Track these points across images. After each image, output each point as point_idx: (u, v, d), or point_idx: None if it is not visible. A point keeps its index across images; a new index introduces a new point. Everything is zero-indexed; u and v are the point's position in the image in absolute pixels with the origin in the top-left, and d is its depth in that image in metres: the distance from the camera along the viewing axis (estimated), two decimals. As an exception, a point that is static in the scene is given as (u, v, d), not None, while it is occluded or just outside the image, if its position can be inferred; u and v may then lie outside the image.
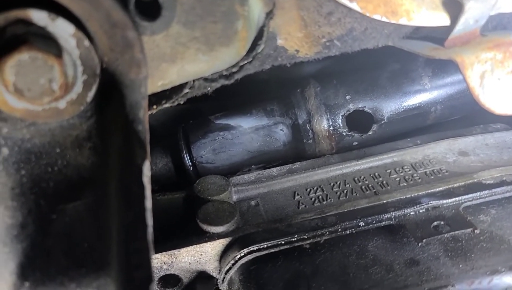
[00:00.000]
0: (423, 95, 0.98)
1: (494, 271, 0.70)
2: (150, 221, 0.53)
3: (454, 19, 0.64)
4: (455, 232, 0.74)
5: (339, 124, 0.98)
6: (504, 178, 0.83)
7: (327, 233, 0.77)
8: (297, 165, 0.98)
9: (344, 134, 0.99)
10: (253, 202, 0.90)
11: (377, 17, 0.62)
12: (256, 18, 0.64)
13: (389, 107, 0.98)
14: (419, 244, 0.73)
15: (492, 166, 0.89)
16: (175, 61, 0.61)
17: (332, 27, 0.65)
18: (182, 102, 0.72)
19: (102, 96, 0.57)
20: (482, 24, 0.67)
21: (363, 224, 0.78)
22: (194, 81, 0.69)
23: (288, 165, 0.99)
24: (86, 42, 0.53)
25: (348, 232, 0.78)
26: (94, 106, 0.59)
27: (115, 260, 0.55)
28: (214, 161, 1.01)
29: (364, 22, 0.65)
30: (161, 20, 0.58)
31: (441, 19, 0.64)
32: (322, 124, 0.98)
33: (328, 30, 0.65)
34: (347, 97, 0.98)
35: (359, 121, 1.01)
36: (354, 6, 0.60)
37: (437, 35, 0.72)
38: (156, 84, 0.62)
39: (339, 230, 0.77)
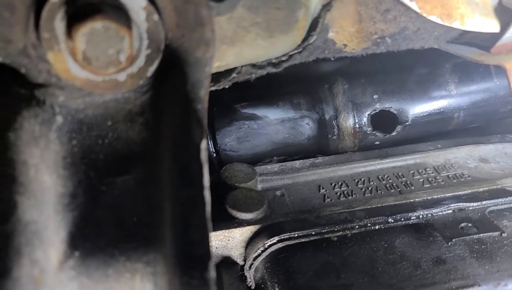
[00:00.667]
0: (448, 101, 1.00)
1: (518, 275, 0.73)
2: (208, 198, 0.53)
3: (505, 27, 0.66)
4: (482, 235, 0.76)
5: (364, 122, 1.00)
6: (527, 186, 0.85)
7: (357, 226, 0.79)
8: (320, 159, 0.99)
9: (368, 132, 1.01)
10: (278, 193, 0.91)
11: (432, 18, 0.63)
12: (313, 8, 0.65)
13: (415, 109, 1.00)
14: (449, 243, 0.75)
15: (513, 174, 0.92)
16: (234, 44, 0.62)
17: (386, 24, 0.66)
18: (227, 87, 0.72)
19: (161, 72, 0.58)
20: (528, 34, 0.69)
21: (392, 220, 0.79)
22: (242, 66, 0.70)
23: (311, 159, 1.00)
24: (155, 16, 0.53)
25: (377, 227, 0.79)
26: (152, 82, 0.59)
27: (167, 236, 0.56)
28: (238, 150, 1.01)
29: (418, 22, 0.66)
30: (227, 2, 0.58)
31: (492, 25, 0.66)
32: (348, 121, 0.99)
33: (382, 27, 0.66)
34: (375, 96, 0.99)
35: (382, 121, 1.03)
36: (413, 5, 0.62)
37: (479, 42, 0.74)
38: (212, 65, 0.62)
39: (369, 224, 0.79)
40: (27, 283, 0.50)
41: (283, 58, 0.70)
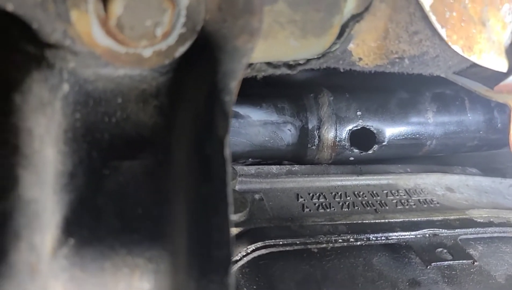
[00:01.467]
0: (424, 128, 1.04)
1: (485, 303, 0.76)
2: (231, 197, 0.49)
3: (512, 68, 0.69)
4: (458, 262, 0.79)
5: (344, 137, 1.00)
6: (491, 219, 0.90)
7: (340, 240, 0.78)
8: (296, 168, 0.99)
9: (346, 147, 1.01)
10: (257, 196, 0.88)
11: (455, 48, 0.64)
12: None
13: (393, 131, 1.02)
14: (428, 267, 0.77)
15: (475, 206, 0.97)
16: (266, 39, 0.58)
17: (410, 46, 0.66)
18: (237, 81, 0.68)
19: (190, 54, 0.53)
20: (525, 79, 0.74)
21: (374, 238, 0.80)
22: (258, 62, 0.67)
23: (287, 166, 0.99)
24: (200, -6, 0.49)
25: (358, 243, 0.79)
26: (176, 63, 0.54)
27: (177, 233, 0.51)
28: (215, 146, 0.97)
29: (438, 50, 0.67)
30: (271, -6, 0.55)
31: (502, 65, 0.69)
32: (330, 133, 0.99)
33: (405, 47, 0.67)
34: (358, 113, 1.00)
35: (360, 137, 1.04)
36: (443, 32, 0.63)
37: (479, 78, 0.77)
38: (238, 57, 0.59)
39: (351, 239, 0.79)
40: (24, 270, 0.44)
41: (301, 62, 0.68)
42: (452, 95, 1.05)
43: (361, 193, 0.95)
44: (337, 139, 1.00)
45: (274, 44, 0.59)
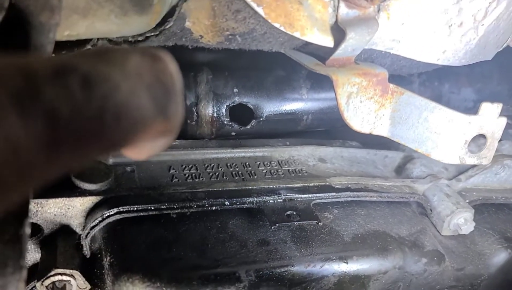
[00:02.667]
0: (299, 104, 1.11)
1: (326, 258, 0.84)
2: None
3: (337, 44, 0.76)
4: (303, 222, 0.87)
5: (222, 112, 1.07)
6: (349, 185, 0.98)
7: (195, 206, 0.84)
8: (176, 142, 1.04)
9: (225, 123, 1.08)
10: (128, 168, 0.94)
11: (276, 25, 0.71)
12: (171, -4, 0.69)
13: (269, 107, 1.09)
14: (272, 227, 0.84)
15: (342, 174, 1.04)
16: (86, 16, 0.63)
17: (237, 23, 0.72)
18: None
19: (2, 31, 0.57)
20: (357, 54, 0.81)
21: (228, 203, 0.86)
22: (98, 39, 0.71)
23: (168, 141, 1.04)
24: (1, -28, 0.53)
25: (213, 208, 0.86)
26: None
27: None
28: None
29: (265, 27, 0.73)
30: (81, -26, 0.60)
31: (327, 41, 0.75)
32: (208, 109, 1.05)
33: (233, 25, 0.72)
34: (235, 90, 1.07)
35: (239, 113, 1.10)
36: (260, 10, 0.69)
37: (320, 54, 0.84)
38: (62, 33, 0.63)
39: (206, 205, 0.85)
40: None
41: (139, 38, 0.73)
42: (326, 72, 1.12)
43: (233, 165, 1.01)
44: (215, 114, 1.06)
45: (96, 21, 0.64)
